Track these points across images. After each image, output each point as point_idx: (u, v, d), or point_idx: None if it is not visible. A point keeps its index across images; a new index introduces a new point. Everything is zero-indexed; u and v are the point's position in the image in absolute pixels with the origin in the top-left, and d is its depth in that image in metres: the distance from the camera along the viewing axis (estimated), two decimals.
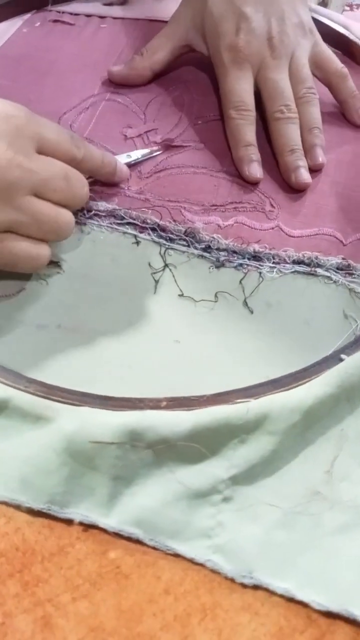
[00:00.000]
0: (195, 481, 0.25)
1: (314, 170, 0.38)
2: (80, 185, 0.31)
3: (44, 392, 0.27)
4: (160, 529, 0.24)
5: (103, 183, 0.35)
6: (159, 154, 0.38)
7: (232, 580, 0.23)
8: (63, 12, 0.48)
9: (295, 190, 0.37)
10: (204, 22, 0.40)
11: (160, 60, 0.41)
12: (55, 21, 0.47)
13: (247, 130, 0.38)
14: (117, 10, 0.48)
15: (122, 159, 0.37)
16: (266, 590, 0.23)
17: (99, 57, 0.45)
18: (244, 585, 0.23)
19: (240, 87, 0.38)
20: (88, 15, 0.48)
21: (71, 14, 0.48)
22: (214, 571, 0.24)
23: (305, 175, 0.36)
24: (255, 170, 0.37)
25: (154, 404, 0.26)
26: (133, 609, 0.23)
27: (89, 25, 0.47)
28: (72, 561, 0.24)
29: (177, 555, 0.24)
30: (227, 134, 0.39)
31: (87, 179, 0.32)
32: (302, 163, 0.37)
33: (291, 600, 0.23)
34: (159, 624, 0.23)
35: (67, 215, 0.30)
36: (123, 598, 0.23)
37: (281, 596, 0.23)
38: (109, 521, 0.24)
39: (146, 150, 0.38)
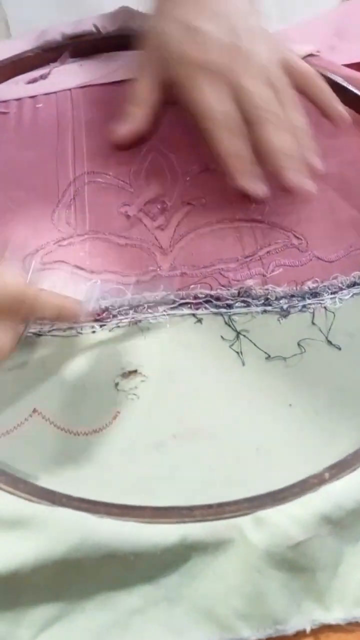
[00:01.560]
0: None
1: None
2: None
3: (213, 513, 0.25)
4: None
5: None
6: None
7: None
8: None
9: (308, 216, 0.38)
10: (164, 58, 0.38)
11: (151, 96, 0.39)
12: None
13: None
14: (45, 86, 0.46)
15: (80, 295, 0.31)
16: None
17: (52, 140, 0.42)
18: None
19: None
20: (18, 99, 0.45)
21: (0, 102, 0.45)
22: None
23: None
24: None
25: (318, 480, 0.26)
26: None
27: (24, 109, 0.44)
28: None
29: None
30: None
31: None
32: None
33: None
34: None
35: None
36: None
37: None
38: (336, 614, 0.24)
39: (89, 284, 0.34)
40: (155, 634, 0.23)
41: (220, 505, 0.25)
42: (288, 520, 0.24)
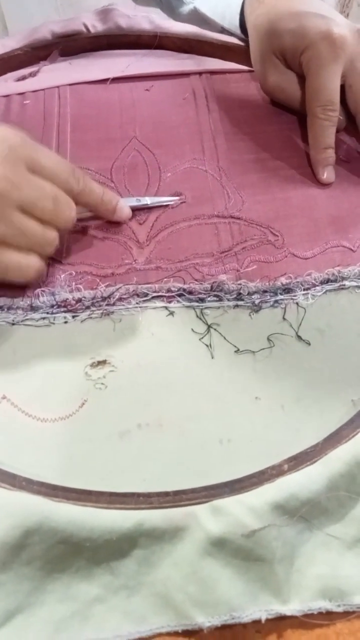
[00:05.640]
0: (347, 530, 0.26)
1: None
2: (68, 208, 0.33)
3: (170, 501, 0.25)
4: (342, 592, 0.24)
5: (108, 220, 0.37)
6: (169, 203, 0.38)
7: None
8: None
9: (286, 213, 0.38)
10: (276, 40, 0.40)
11: None
12: None
13: (330, 133, 0.40)
14: (33, 83, 0.46)
15: (131, 202, 0.37)
16: None
17: (37, 134, 0.43)
18: None
19: (333, 86, 0.38)
20: (6, 96, 0.46)
21: None
22: None
23: None
24: (331, 175, 0.40)
25: (277, 471, 0.26)
26: None
27: (11, 105, 0.45)
28: None
29: None
30: (309, 132, 0.40)
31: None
32: None
33: None
34: None
35: (52, 234, 0.32)
36: None
37: None
38: (293, 606, 0.24)
39: (156, 198, 0.38)
40: (115, 622, 0.24)
41: (178, 492, 0.26)
42: (243, 509, 0.25)
